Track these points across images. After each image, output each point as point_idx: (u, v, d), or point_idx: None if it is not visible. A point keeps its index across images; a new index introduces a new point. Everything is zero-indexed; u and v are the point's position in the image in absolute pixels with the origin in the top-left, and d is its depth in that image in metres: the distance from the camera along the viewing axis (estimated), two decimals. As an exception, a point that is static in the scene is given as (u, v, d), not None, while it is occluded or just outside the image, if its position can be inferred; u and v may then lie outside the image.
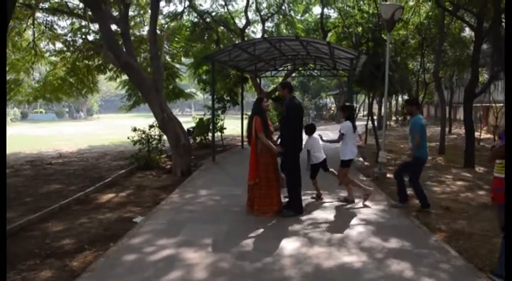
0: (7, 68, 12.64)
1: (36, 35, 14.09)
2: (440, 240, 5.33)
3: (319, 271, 4.32)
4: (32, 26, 13.72)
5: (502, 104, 17.87)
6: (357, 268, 4.36)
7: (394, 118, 42.86)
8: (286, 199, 6.63)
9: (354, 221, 6.16)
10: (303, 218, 6.25)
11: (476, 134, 15.31)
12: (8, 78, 13.56)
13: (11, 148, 16.10)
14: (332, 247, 5.01)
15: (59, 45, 15.00)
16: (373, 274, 4.21)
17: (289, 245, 5.08)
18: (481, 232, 5.65)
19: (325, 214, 6.52)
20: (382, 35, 14.32)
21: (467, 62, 16.78)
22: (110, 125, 38.76)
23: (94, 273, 4.30)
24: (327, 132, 22.84)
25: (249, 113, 6.76)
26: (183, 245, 5.06)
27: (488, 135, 20.25)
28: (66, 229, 5.92)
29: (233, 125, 19.57)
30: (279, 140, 6.62)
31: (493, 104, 18.81)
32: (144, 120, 14.71)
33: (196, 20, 18.96)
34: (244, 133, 7.61)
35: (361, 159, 12.50)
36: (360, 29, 16.05)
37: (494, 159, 4.13)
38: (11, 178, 10.05)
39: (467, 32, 19.36)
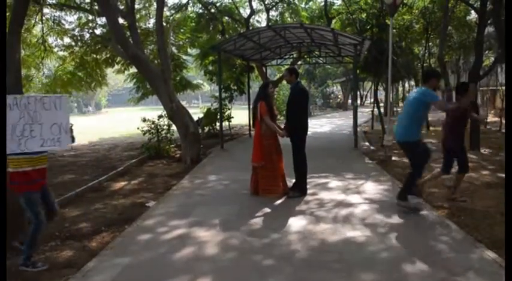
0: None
1: (44, 30, 14.35)
2: (443, 216, 5.52)
3: (324, 245, 4.55)
4: (41, 22, 13.98)
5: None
6: (361, 241, 4.58)
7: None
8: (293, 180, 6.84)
9: (358, 200, 6.36)
10: (309, 198, 6.47)
11: (483, 117, 15.30)
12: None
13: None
14: (337, 223, 5.23)
15: (67, 40, 15.36)
16: (376, 247, 4.43)
17: (295, 223, 5.32)
18: (482, 209, 5.80)
19: (331, 195, 6.73)
20: (386, 21, 14.37)
21: (472, 45, 16.71)
22: (119, 119, 39.11)
23: (112, 251, 4.57)
24: (334, 120, 23.00)
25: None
26: (195, 225, 5.31)
27: (496, 119, 20.21)
28: (82, 214, 6.20)
29: (240, 115, 19.72)
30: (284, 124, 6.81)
31: (500, 87, 18.81)
32: (151, 113, 14.97)
33: (201, 11, 19.07)
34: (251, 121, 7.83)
35: (367, 143, 12.66)
36: (364, 15, 16.11)
37: None
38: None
39: (473, 15, 19.23)
